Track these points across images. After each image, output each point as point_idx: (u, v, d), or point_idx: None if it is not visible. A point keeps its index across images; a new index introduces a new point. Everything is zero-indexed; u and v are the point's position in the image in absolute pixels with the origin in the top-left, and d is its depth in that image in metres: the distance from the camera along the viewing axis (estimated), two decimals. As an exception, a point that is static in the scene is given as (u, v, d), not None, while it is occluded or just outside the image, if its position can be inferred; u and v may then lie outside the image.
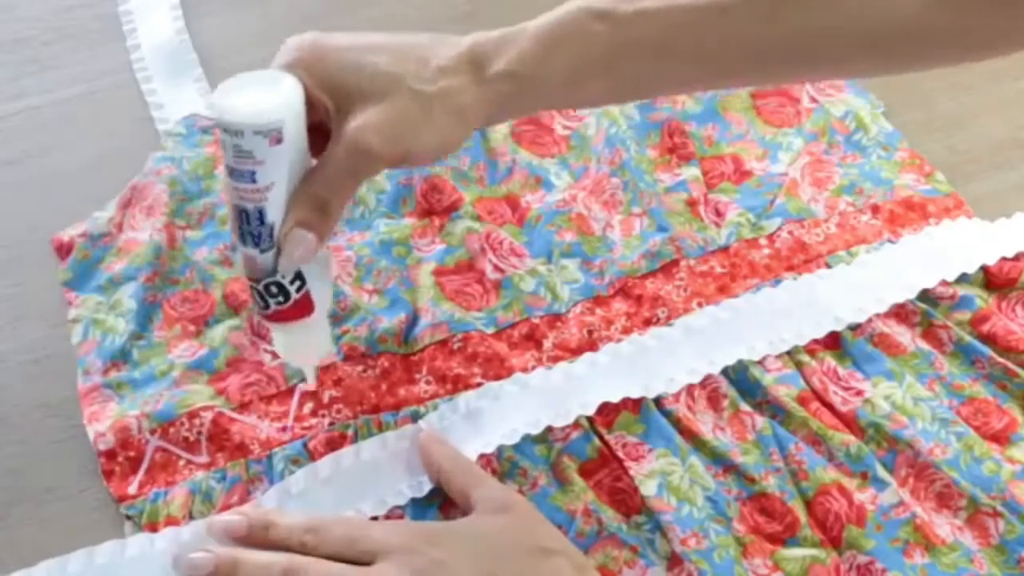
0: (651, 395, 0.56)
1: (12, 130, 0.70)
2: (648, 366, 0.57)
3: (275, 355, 0.58)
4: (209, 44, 0.74)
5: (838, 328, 0.59)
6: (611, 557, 0.52)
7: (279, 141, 0.43)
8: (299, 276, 0.47)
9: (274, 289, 0.47)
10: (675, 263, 0.62)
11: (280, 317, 0.48)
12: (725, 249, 0.63)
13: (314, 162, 0.47)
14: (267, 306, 0.47)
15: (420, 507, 0.53)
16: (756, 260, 0.62)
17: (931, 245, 0.62)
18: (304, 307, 0.48)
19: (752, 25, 0.47)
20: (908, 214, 0.65)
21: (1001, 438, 0.56)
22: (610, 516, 0.53)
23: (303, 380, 0.57)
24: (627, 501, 0.54)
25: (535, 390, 0.56)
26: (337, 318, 0.59)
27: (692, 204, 0.65)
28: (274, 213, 0.45)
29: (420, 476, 0.53)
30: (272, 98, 0.44)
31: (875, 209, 0.65)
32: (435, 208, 0.64)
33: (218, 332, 0.59)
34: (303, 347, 0.52)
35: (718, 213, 0.65)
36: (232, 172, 0.44)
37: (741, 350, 0.57)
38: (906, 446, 0.55)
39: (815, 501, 0.53)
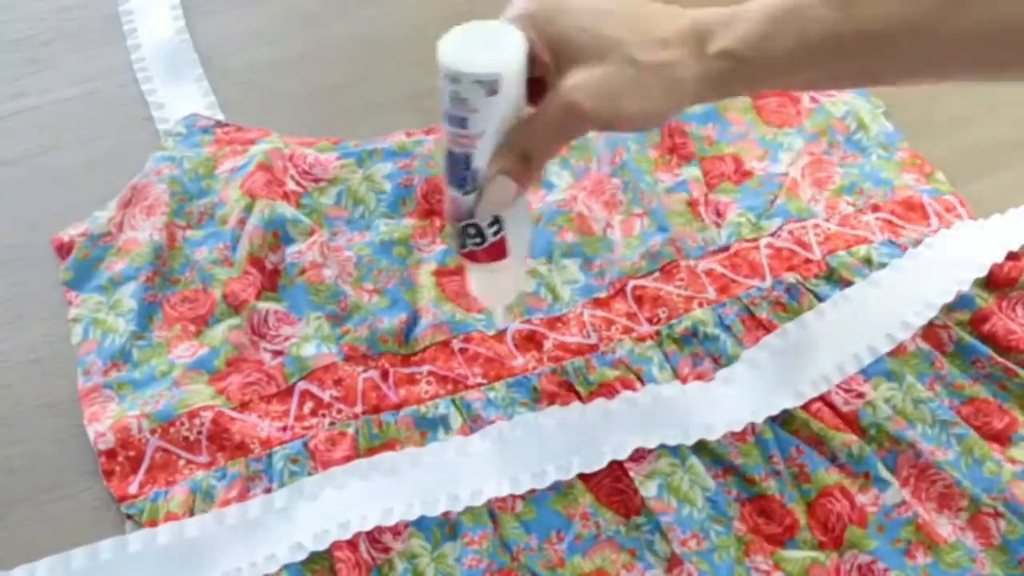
0: (689, 443, 0.55)
1: (12, 130, 0.70)
2: (688, 412, 0.56)
3: (276, 354, 0.58)
4: (209, 44, 0.74)
5: (871, 359, 0.58)
6: (609, 560, 0.52)
7: (494, 92, 0.45)
8: (497, 221, 0.49)
9: (471, 231, 0.49)
10: (675, 263, 0.62)
11: (474, 257, 0.50)
12: (725, 249, 0.63)
13: (529, 111, 0.48)
14: (464, 245, 0.50)
15: (427, 520, 0.53)
16: (756, 260, 0.62)
17: (943, 257, 0.62)
18: (498, 250, 0.50)
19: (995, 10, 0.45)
20: (909, 214, 0.65)
21: (1002, 438, 0.56)
22: (608, 519, 0.53)
23: (302, 379, 0.57)
24: (627, 502, 0.54)
25: (571, 427, 0.55)
26: (337, 318, 0.59)
27: (692, 204, 0.65)
28: (480, 159, 0.47)
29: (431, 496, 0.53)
30: (494, 51, 0.46)
31: (875, 209, 0.65)
32: (436, 208, 0.64)
33: (218, 332, 0.59)
34: (494, 288, 0.54)
35: (718, 213, 0.65)
36: (447, 116, 0.46)
37: (787, 398, 0.56)
38: (908, 446, 0.55)
39: (817, 502, 0.53)
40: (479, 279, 0.53)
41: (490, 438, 0.55)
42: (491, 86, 0.45)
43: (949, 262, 0.61)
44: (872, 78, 0.51)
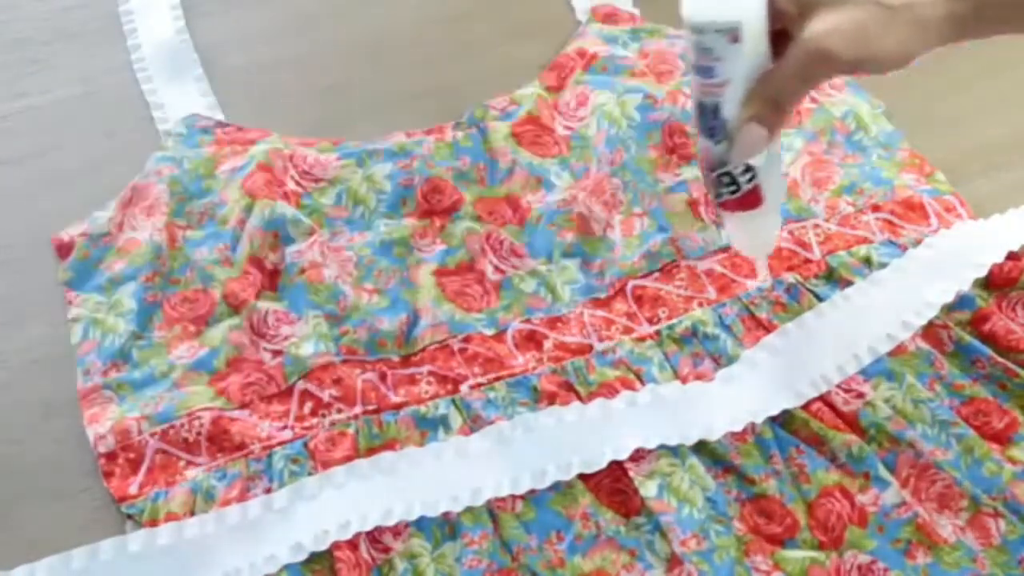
0: (689, 443, 0.55)
1: (12, 130, 0.70)
2: (688, 412, 0.56)
3: (275, 354, 0.58)
4: (210, 44, 0.74)
5: (871, 359, 0.58)
6: (609, 561, 0.52)
7: (736, 40, 0.46)
8: (750, 169, 0.50)
9: (726, 179, 0.50)
10: (675, 263, 0.62)
11: (730, 206, 0.51)
12: (725, 249, 0.63)
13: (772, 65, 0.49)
14: (719, 195, 0.51)
15: (427, 521, 0.53)
16: (756, 260, 0.62)
17: (943, 257, 0.61)
18: (753, 198, 0.51)
19: None
20: (909, 214, 0.65)
21: (1002, 438, 0.56)
22: (608, 519, 0.53)
23: (302, 379, 0.57)
24: (627, 502, 0.54)
25: (571, 427, 0.55)
26: (336, 318, 0.59)
27: (692, 204, 0.65)
28: (729, 108, 0.48)
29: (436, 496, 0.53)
30: (734, 0, 0.47)
31: (875, 209, 0.65)
32: (436, 209, 0.64)
33: (218, 332, 0.59)
34: (752, 237, 0.55)
35: (718, 213, 0.65)
36: (695, 68, 0.48)
37: (787, 398, 0.56)
38: (907, 446, 0.55)
39: (816, 502, 0.53)
40: (736, 228, 0.54)
41: (490, 438, 0.55)
42: (732, 34, 0.46)
43: (949, 262, 0.61)
44: None
